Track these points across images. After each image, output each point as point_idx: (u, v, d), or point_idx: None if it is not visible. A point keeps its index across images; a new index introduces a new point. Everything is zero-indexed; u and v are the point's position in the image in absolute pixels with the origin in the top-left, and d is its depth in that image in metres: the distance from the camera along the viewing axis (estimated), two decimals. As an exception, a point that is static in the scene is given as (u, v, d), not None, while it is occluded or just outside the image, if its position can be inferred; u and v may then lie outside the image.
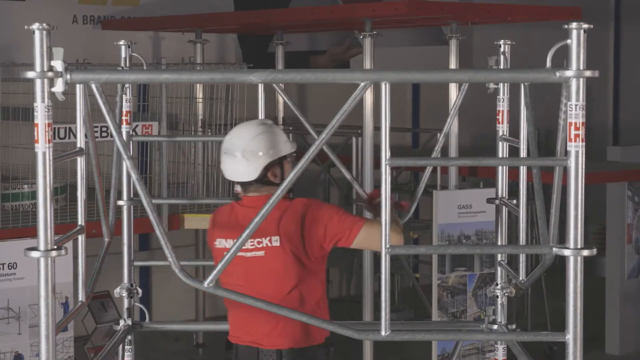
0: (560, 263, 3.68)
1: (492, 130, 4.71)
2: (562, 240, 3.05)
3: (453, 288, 7.06)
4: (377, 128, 7.24)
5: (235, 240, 3.11)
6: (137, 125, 6.51)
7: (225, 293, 3.24)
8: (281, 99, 9.15)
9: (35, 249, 2.92)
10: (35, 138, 2.90)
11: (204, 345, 9.18)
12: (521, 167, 4.23)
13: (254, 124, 4.19)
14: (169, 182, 7.10)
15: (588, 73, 2.86)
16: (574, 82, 2.87)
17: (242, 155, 4.08)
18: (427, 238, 7.58)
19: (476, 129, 10.92)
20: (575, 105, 2.87)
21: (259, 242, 4.13)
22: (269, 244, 4.13)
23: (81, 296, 3.79)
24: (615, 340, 8.90)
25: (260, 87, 4.39)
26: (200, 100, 8.06)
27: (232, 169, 4.16)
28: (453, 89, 7.44)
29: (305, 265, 4.15)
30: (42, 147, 2.90)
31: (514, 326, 4.37)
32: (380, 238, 3.02)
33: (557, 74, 2.88)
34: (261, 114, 4.54)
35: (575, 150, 2.89)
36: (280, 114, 9.28)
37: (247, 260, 4.15)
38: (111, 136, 6.06)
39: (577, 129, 2.87)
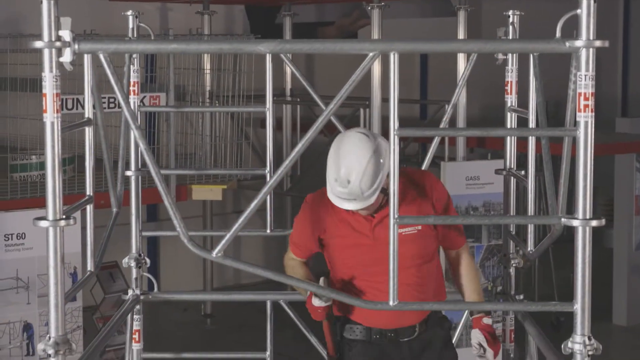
0: (568, 234, 3.68)
1: (500, 102, 4.69)
2: (570, 211, 3.05)
3: (460, 259, 7.06)
4: (384, 99, 7.23)
5: None
6: (144, 97, 6.51)
7: (234, 263, 3.24)
8: (289, 70, 9.12)
9: (44, 218, 2.93)
10: (44, 108, 2.90)
11: (212, 315, 9.22)
12: (530, 137, 4.22)
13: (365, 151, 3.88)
14: (176, 153, 7.10)
15: (598, 43, 2.84)
16: (583, 52, 2.85)
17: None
18: (435, 209, 7.57)
19: (484, 101, 10.89)
20: (585, 75, 2.86)
21: None
22: None
23: (90, 266, 3.80)
24: (623, 311, 8.91)
25: (268, 58, 4.37)
26: (208, 71, 8.06)
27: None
28: (461, 60, 7.41)
29: None
30: (51, 117, 2.90)
31: (521, 297, 4.37)
32: None
33: (567, 44, 2.87)
34: (269, 86, 4.52)
35: (585, 120, 2.88)
36: (288, 86, 9.26)
37: None
38: (119, 107, 6.07)
39: (586, 99, 2.86)
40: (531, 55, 3.96)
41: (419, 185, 4.04)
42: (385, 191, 3.83)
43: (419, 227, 4.02)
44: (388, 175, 3.70)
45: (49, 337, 2.95)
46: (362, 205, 3.84)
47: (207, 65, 8.04)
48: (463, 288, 4.13)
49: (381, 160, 3.81)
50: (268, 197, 4.41)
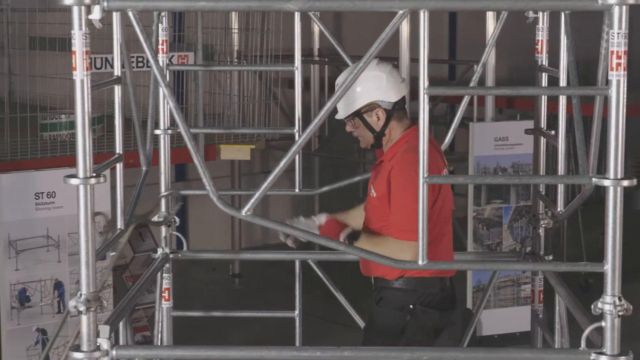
0: (597, 195, 3.66)
1: (529, 63, 4.65)
2: (601, 172, 3.03)
3: (489, 220, 7.05)
4: (413, 59, 7.18)
5: None
6: (172, 56, 6.50)
7: (263, 222, 3.24)
8: (317, 29, 9.08)
9: (74, 176, 2.94)
10: (73, 66, 2.90)
11: (240, 275, 9.26)
12: (561, 96, 4.19)
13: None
14: (204, 113, 7.11)
15: (631, 0, 2.81)
16: (616, 10, 2.82)
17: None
18: (463, 170, 7.55)
19: (512, 62, 10.81)
20: (618, 33, 2.83)
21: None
22: None
23: (120, 224, 3.82)
24: (652, 273, 8.87)
25: (297, 16, 4.35)
26: (236, 31, 8.03)
27: None
28: (490, 19, 7.34)
29: None
30: (80, 75, 2.91)
31: (550, 257, 4.36)
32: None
33: (600, 1, 2.83)
34: (297, 44, 4.50)
35: (617, 79, 2.85)
36: (316, 45, 9.22)
37: None
38: (147, 66, 6.07)
39: (619, 57, 2.83)
40: (562, 13, 3.91)
41: (395, 155, 4.16)
42: (368, 126, 4.15)
43: (375, 195, 4.17)
44: (372, 110, 4.13)
45: (80, 294, 2.97)
46: (338, 115, 4.23)
47: (235, 25, 8.02)
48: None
49: (361, 86, 4.10)
50: (296, 157, 4.41)
